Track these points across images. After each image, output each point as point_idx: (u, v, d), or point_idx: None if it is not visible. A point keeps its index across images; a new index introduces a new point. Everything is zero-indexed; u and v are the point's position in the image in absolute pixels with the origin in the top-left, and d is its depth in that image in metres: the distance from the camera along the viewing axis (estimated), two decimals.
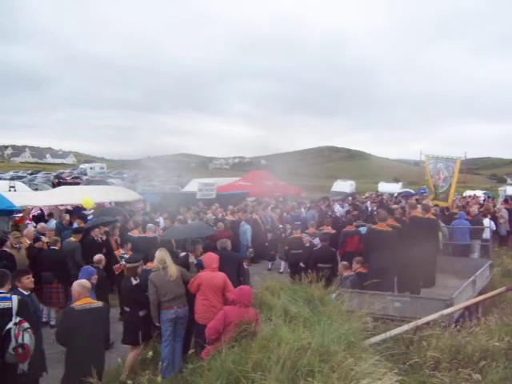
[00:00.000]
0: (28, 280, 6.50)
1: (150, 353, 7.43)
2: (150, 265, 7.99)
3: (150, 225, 12.90)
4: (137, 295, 7.39)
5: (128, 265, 7.56)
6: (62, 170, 74.17)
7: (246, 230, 16.20)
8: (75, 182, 45.09)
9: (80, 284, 6.27)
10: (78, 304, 6.08)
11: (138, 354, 7.52)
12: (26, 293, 6.48)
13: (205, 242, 8.58)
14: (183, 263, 7.83)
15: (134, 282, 7.44)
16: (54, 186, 37.03)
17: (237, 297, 6.06)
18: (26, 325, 5.75)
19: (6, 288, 6.16)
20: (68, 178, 52.46)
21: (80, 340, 5.98)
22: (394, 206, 11.70)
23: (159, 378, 5.75)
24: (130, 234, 12.47)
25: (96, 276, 7.99)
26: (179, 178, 55.39)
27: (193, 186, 24.40)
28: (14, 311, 5.84)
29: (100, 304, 6.26)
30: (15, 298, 5.96)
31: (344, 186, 45.72)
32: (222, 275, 7.03)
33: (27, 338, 5.68)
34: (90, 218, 15.17)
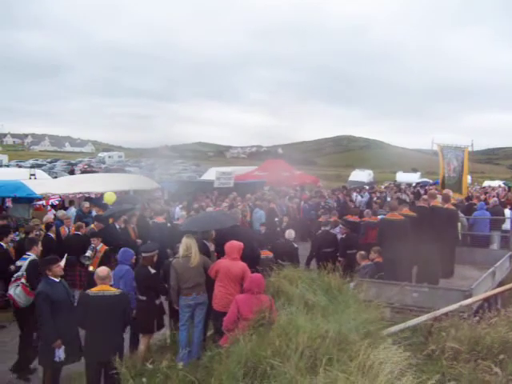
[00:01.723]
0: (58, 268, 6.69)
1: (168, 340, 7.51)
2: None
3: (183, 213, 13.20)
4: (154, 284, 7.43)
5: (144, 254, 7.58)
6: (80, 159, 74.78)
7: (261, 215, 16.16)
8: (91, 171, 44.49)
9: (97, 271, 6.46)
10: (93, 290, 6.28)
11: (151, 340, 7.61)
12: (57, 280, 6.64)
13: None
14: (203, 252, 7.85)
15: (152, 271, 7.45)
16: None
17: (248, 285, 6.21)
18: (22, 281, 7.40)
19: (33, 251, 8.06)
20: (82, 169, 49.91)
21: (94, 325, 6.18)
22: (425, 197, 11.61)
23: (180, 365, 5.80)
24: (155, 220, 12.66)
25: (135, 258, 8.18)
26: (197, 167, 55.59)
27: (211, 174, 24.45)
28: (23, 268, 7.65)
29: (117, 292, 6.33)
30: (28, 260, 7.76)
31: (362, 175, 45.63)
32: (241, 265, 7.04)
33: (15, 291, 7.34)
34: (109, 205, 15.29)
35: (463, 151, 15.73)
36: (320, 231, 12.03)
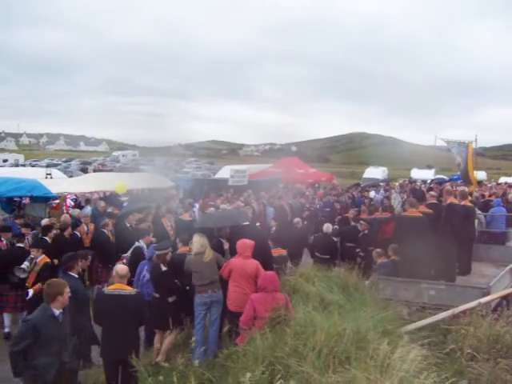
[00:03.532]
0: (83, 262, 7.25)
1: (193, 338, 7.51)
2: (182, 250, 8.14)
3: (211, 208, 13.41)
4: (166, 281, 7.44)
5: (157, 252, 7.62)
6: (95, 158, 75.30)
7: (269, 212, 16.12)
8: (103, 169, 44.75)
9: (117, 269, 6.49)
10: (109, 288, 6.36)
11: (174, 339, 7.61)
12: (77, 276, 6.87)
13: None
14: (217, 249, 7.85)
15: (163, 268, 7.48)
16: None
17: (262, 283, 6.16)
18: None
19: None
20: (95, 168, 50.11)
21: (107, 323, 6.25)
22: (432, 193, 11.54)
23: (196, 362, 5.81)
24: (181, 217, 12.79)
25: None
26: (211, 165, 55.72)
27: (225, 172, 24.48)
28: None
29: (132, 292, 6.31)
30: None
31: (376, 172, 45.27)
32: (254, 263, 7.00)
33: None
34: (124, 204, 15.37)
35: (467, 147, 15.53)
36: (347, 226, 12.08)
